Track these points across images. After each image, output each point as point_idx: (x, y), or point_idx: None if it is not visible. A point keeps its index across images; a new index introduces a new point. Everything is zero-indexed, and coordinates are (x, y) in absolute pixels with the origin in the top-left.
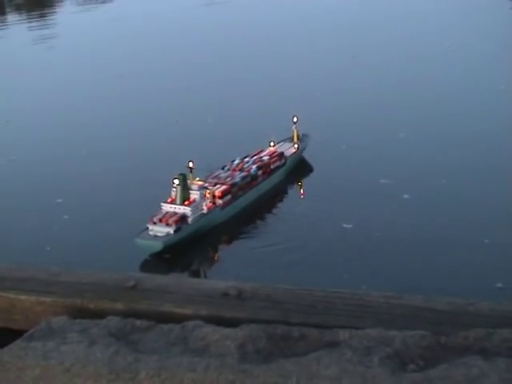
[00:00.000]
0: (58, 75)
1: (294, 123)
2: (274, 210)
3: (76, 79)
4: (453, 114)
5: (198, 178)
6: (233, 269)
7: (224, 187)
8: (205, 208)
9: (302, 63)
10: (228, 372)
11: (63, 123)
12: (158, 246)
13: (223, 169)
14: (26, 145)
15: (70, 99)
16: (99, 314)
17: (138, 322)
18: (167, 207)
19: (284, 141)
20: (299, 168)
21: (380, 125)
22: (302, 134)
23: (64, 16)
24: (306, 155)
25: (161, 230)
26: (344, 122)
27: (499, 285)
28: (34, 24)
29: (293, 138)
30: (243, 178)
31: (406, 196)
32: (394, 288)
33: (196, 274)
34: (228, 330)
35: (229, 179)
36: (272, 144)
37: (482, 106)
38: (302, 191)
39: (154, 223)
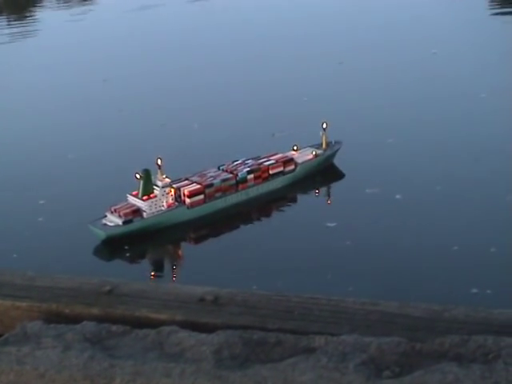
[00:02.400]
0: (40, 77)
1: (324, 129)
2: (256, 216)
3: (58, 82)
4: (434, 121)
5: (164, 176)
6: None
7: (196, 187)
8: (165, 205)
9: (289, 72)
10: (203, 378)
11: (47, 127)
12: (101, 234)
13: (219, 168)
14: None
15: (51, 104)
16: (75, 319)
17: (114, 327)
18: (130, 199)
19: (313, 146)
20: (317, 175)
21: (369, 129)
22: (334, 141)
23: (46, 17)
24: (336, 162)
25: (112, 220)
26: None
27: (474, 290)
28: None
29: (321, 144)
30: (224, 180)
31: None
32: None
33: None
34: (204, 336)
35: (209, 180)
36: (295, 148)
37: (463, 112)
38: (301, 199)
39: (111, 212)
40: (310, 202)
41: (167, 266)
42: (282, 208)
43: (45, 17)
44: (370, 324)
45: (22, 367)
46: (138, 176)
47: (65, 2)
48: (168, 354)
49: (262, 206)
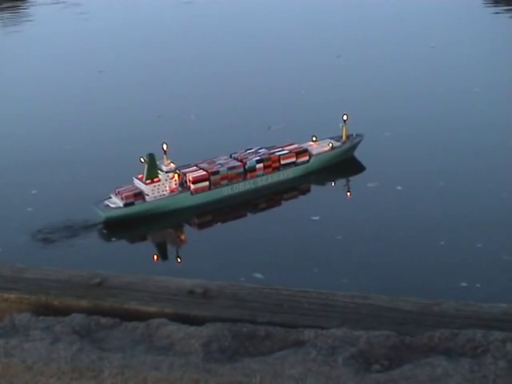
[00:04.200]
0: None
1: (344, 121)
2: (262, 205)
3: (53, 73)
4: (430, 115)
5: (169, 161)
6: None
7: (201, 173)
8: (167, 189)
9: (288, 63)
10: (192, 371)
11: (39, 117)
12: (102, 215)
13: (230, 156)
14: None
15: (49, 94)
16: (64, 311)
17: (103, 320)
18: (136, 182)
19: (333, 138)
20: (334, 167)
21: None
22: (356, 134)
23: (36, 11)
24: (357, 155)
25: (114, 202)
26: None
27: (464, 284)
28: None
29: (341, 136)
30: (231, 168)
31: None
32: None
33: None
34: (193, 329)
35: (217, 167)
36: (314, 139)
37: (457, 106)
38: (312, 191)
39: (116, 194)
40: (320, 194)
41: (164, 250)
42: (289, 198)
43: (39, 3)
44: (359, 318)
45: (10, 360)
46: (142, 160)
47: None
48: (157, 346)
49: (270, 196)
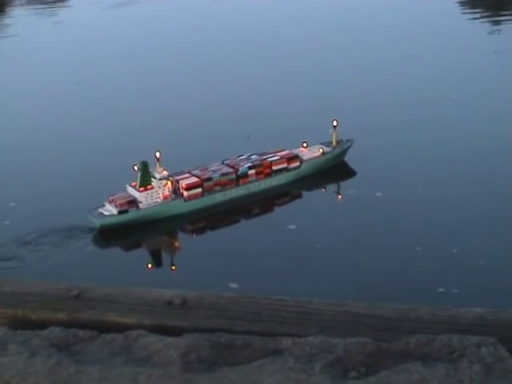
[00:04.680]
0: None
1: (334, 127)
2: (255, 211)
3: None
4: (406, 122)
5: (163, 168)
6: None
7: (193, 180)
8: (161, 197)
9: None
10: (171, 382)
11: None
12: (96, 223)
13: (223, 163)
14: None
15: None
16: (41, 325)
17: (81, 332)
18: (129, 190)
19: (324, 144)
20: (325, 172)
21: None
22: (346, 139)
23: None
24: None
25: (108, 210)
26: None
27: (441, 289)
28: None
29: (331, 141)
30: (224, 174)
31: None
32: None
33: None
34: (171, 339)
35: (209, 173)
36: (304, 145)
37: (435, 113)
38: (305, 196)
39: (109, 202)
40: (312, 199)
41: (158, 257)
42: (281, 204)
43: (17, 15)
44: (337, 325)
45: None
46: (136, 168)
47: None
48: (135, 358)
49: (262, 202)
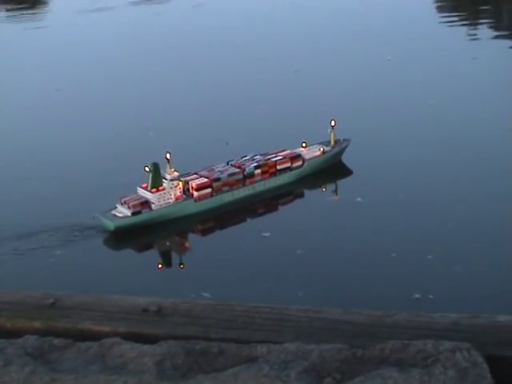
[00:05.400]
0: None
1: (332, 127)
2: (262, 209)
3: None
4: (383, 128)
5: (173, 169)
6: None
7: (203, 181)
8: (173, 197)
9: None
10: None
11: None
12: (110, 225)
13: (228, 163)
14: None
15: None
16: (17, 333)
17: (56, 341)
18: (140, 191)
19: (321, 143)
20: (326, 171)
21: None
22: (343, 139)
23: None
24: (345, 159)
25: (121, 211)
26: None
27: (417, 295)
28: None
29: (330, 141)
30: (231, 174)
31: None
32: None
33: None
34: (146, 347)
35: (217, 174)
36: (304, 145)
37: (412, 118)
38: (315, 194)
39: (122, 204)
40: (314, 198)
41: (169, 257)
42: (287, 203)
43: None
44: (312, 331)
45: None
46: (147, 169)
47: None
48: (110, 366)
49: (269, 201)
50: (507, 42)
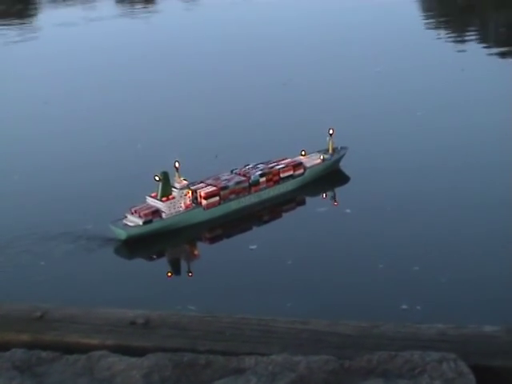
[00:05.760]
0: None
1: (330, 135)
2: (267, 217)
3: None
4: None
5: (182, 178)
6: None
7: (211, 189)
8: (183, 206)
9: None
10: None
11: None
12: (122, 234)
13: (232, 172)
14: None
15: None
16: (4, 346)
17: (44, 354)
18: (149, 200)
19: (320, 151)
20: (328, 179)
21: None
22: (340, 147)
23: None
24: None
25: (133, 221)
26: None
27: (404, 306)
28: None
29: (328, 149)
30: (238, 182)
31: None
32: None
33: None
34: (134, 360)
35: (224, 182)
36: (303, 153)
37: (400, 129)
38: (317, 201)
39: (132, 213)
40: (315, 205)
41: (179, 264)
42: (291, 210)
43: None
44: (300, 343)
45: None
46: (157, 178)
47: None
48: (98, 379)
49: (273, 208)
50: (495, 53)
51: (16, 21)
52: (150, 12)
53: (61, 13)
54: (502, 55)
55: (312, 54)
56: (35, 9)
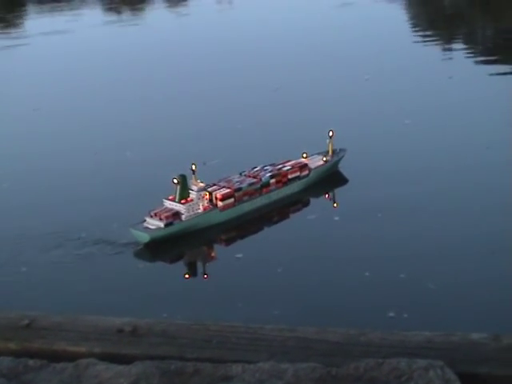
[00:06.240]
0: None
1: (330, 137)
2: (276, 218)
3: None
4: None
5: (199, 180)
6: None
7: (226, 191)
8: (201, 208)
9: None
10: None
11: None
12: (145, 237)
13: (240, 174)
14: None
15: None
16: None
17: (31, 362)
18: (167, 203)
19: (319, 153)
20: (329, 180)
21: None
22: (339, 149)
23: None
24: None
25: (153, 223)
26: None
27: (391, 314)
28: None
29: (328, 151)
30: (250, 184)
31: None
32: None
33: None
34: (122, 367)
35: (237, 184)
36: (304, 155)
37: (388, 139)
38: (322, 202)
39: (151, 216)
40: (318, 206)
41: (196, 267)
42: (297, 211)
43: None
44: (287, 350)
45: None
46: (175, 181)
47: None
48: None
49: (282, 209)
50: (482, 61)
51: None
52: (138, 20)
53: (48, 21)
54: (491, 62)
55: (298, 65)
56: (21, 17)
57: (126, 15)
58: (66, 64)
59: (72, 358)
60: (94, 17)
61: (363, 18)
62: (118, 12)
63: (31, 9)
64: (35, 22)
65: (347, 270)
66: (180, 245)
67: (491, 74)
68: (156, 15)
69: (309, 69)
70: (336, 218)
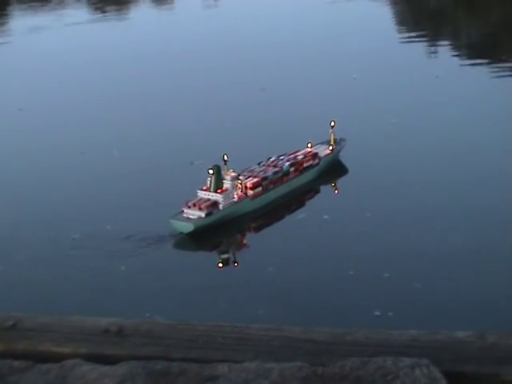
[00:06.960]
0: None
1: (332, 127)
2: (296, 206)
3: None
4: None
5: (231, 170)
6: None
7: (255, 180)
8: (235, 197)
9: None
10: None
11: None
12: (189, 227)
13: (259, 164)
14: None
15: None
16: None
17: (16, 363)
18: (202, 194)
19: (322, 143)
20: (333, 168)
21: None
22: (340, 138)
23: None
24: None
25: (193, 214)
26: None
27: (377, 313)
28: None
29: (330, 141)
30: (275, 173)
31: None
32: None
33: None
34: (107, 368)
35: (261, 173)
36: (309, 145)
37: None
38: (333, 190)
39: (189, 207)
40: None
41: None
42: (312, 199)
43: None
44: (273, 350)
45: None
46: (210, 172)
47: None
48: None
49: (299, 197)
50: (468, 59)
51: None
52: (124, 18)
53: (32, 20)
54: (477, 60)
55: (286, 66)
56: (6, 16)
57: (111, 13)
58: (53, 62)
59: (57, 358)
60: (79, 16)
61: (348, 16)
62: (103, 11)
63: (15, 7)
64: (19, 21)
65: (333, 269)
66: (220, 234)
67: (478, 73)
68: (142, 13)
69: (295, 68)
70: (326, 216)
